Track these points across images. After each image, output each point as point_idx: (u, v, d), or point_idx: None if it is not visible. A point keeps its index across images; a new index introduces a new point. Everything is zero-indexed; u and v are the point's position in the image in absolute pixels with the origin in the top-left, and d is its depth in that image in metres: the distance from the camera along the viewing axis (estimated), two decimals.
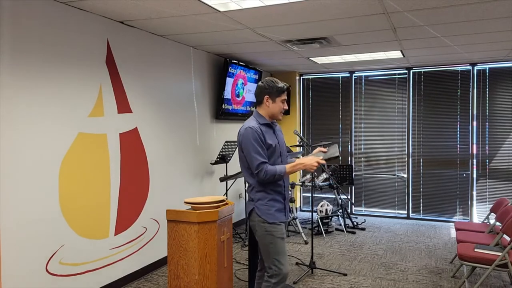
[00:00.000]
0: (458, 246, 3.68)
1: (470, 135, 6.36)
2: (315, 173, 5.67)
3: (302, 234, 5.59)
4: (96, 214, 3.59)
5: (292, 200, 5.84)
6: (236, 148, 5.38)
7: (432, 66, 6.47)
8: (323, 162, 2.67)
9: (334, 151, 2.73)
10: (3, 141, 2.80)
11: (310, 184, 5.20)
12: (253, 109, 6.14)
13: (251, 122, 2.68)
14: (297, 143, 5.88)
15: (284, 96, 2.73)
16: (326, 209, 5.88)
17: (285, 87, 2.73)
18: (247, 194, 2.87)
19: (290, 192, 5.85)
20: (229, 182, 5.60)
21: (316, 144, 6.19)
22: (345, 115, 7.12)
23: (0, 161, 2.78)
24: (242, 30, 4.13)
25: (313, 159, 2.66)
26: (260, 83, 2.75)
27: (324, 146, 2.88)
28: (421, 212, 6.70)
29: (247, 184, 2.81)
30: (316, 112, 7.34)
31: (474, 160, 6.35)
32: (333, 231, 5.96)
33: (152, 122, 4.32)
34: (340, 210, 6.14)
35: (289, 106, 7.06)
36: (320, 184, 5.81)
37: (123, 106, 3.92)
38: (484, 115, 6.29)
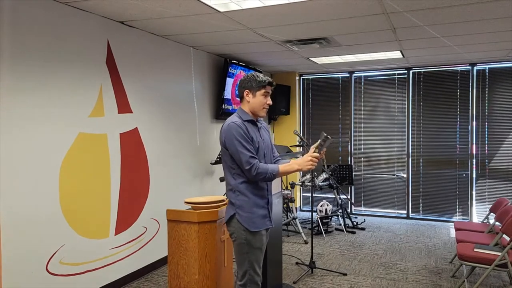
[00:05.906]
0: (457, 246, 3.68)
1: (469, 135, 6.37)
2: (315, 173, 5.67)
3: (302, 234, 5.60)
4: (96, 214, 3.59)
5: (292, 200, 5.85)
6: None
7: (431, 66, 6.48)
8: (317, 155, 2.42)
9: (323, 138, 2.49)
10: (3, 141, 2.80)
11: (310, 184, 5.21)
12: None
13: (234, 118, 2.48)
14: (297, 143, 5.88)
15: (267, 90, 2.51)
16: (326, 209, 5.89)
17: (267, 80, 2.50)
18: (226, 197, 2.59)
19: (290, 192, 5.88)
20: None
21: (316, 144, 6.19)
22: (345, 115, 7.12)
23: (1, 161, 2.79)
24: (242, 31, 4.14)
25: (305, 157, 2.41)
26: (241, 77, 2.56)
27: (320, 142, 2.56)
28: (420, 212, 6.70)
29: (226, 187, 2.57)
30: (316, 112, 7.34)
31: (474, 160, 6.36)
32: (333, 231, 5.97)
33: (153, 122, 4.33)
34: (340, 210, 6.15)
35: (289, 106, 7.10)
36: (320, 184, 5.82)
37: (124, 106, 3.92)
38: (484, 115, 6.29)
